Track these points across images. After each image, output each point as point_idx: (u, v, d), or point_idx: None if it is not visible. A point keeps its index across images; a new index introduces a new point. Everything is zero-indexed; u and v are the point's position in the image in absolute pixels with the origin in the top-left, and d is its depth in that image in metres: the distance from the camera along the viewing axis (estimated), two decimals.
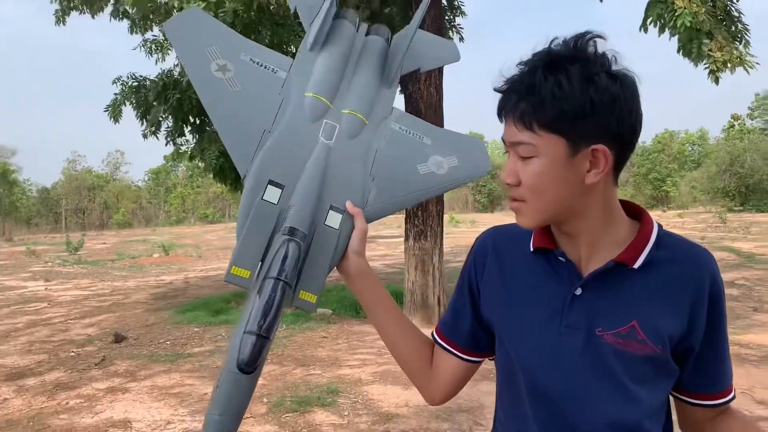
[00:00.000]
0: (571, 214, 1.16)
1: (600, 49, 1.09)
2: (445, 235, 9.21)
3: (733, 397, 1.26)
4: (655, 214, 43.29)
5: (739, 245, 19.01)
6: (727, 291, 10.87)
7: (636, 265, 1.16)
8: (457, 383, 1.43)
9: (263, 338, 1.26)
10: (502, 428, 1.34)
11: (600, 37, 1.10)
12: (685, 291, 1.15)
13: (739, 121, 58.25)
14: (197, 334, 8.83)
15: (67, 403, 5.83)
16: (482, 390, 5.49)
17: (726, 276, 12.71)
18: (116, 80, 9.56)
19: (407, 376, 1.50)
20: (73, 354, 7.86)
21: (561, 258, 1.22)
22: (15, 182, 64.41)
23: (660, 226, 1.23)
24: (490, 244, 1.36)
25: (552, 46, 1.11)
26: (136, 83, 9.57)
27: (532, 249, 1.27)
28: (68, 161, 70.40)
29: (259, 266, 1.33)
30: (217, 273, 17.13)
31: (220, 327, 9.16)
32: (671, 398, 1.27)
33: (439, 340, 1.43)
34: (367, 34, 1.82)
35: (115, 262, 21.81)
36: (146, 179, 75.23)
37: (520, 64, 1.13)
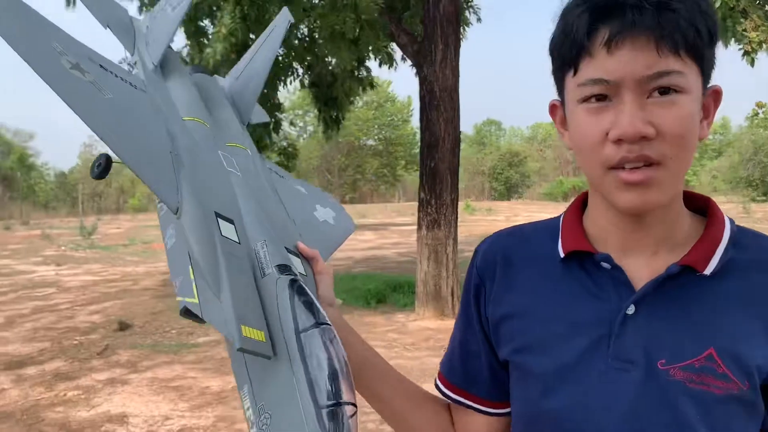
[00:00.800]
0: None
1: None
2: (459, 223, 8.90)
3: None
4: None
5: None
6: None
7: (708, 271, 0.85)
8: None
9: (353, 406, 0.89)
10: None
11: None
12: None
13: (763, 109, 56.99)
14: None
15: (65, 395, 5.63)
16: None
17: None
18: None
19: None
20: (76, 342, 7.67)
21: (605, 264, 0.89)
22: (33, 166, 64.85)
23: (732, 220, 0.91)
24: (499, 254, 1.01)
25: None
26: None
27: (562, 255, 0.94)
28: (85, 145, 70.72)
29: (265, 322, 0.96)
30: None
31: None
32: None
33: (453, 395, 1.07)
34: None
35: (127, 247, 21.73)
36: None
37: None
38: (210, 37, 8.65)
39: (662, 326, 0.85)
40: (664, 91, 0.78)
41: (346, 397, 0.88)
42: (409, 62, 9.18)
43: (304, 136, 30.39)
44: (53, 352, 7.26)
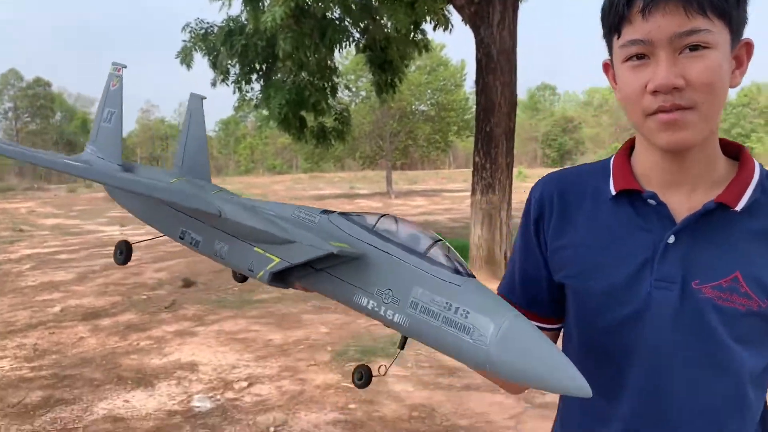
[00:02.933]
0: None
1: None
2: (513, 190, 8.90)
3: None
4: None
5: None
6: None
7: (738, 207, 0.99)
8: None
9: (441, 240, 1.12)
10: (577, 407, 1.16)
11: None
12: None
13: None
14: None
15: (138, 344, 6.00)
16: None
17: None
18: (185, 27, 9.54)
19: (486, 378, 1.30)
20: (144, 297, 8.10)
21: (651, 201, 1.03)
22: None
23: (761, 166, 1.04)
24: (554, 191, 1.16)
25: None
26: (203, 30, 9.52)
27: (614, 192, 1.08)
28: (142, 111, 72.58)
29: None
30: None
31: None
32: None
33: None
34: None
35: None
36: (216, 129, 76.89)
37: None
38: (266, 2, 8.77)
39: (697, 253, 1.00)
40: (694, 47, 0.92)
41: (431, 238, 1.10)
42: (464, 25, 9.12)
43: (356, 101, 30.41)
44: (124, 305, 7.69)
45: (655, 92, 0.93)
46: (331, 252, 1.12)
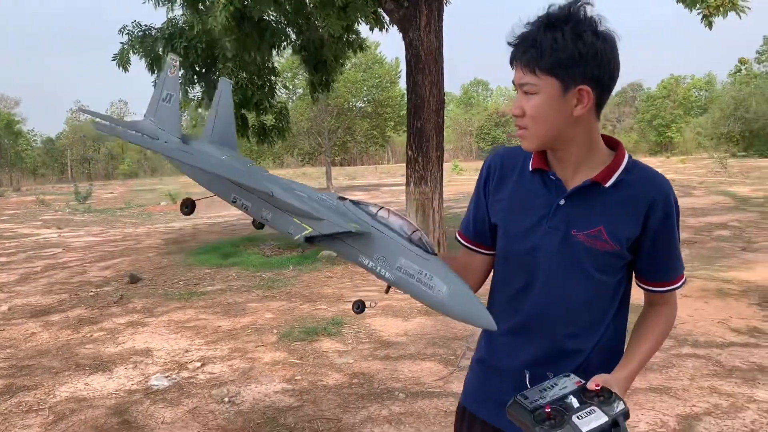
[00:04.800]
0: (563, 141, 1.52)
1: (589, 13, 1.43)
2: (448, 183, 9.51)
3: (668, 291, 1.64)
4: (658, 161, 43.44)
5: (737, 189, 19.28)
6: (719, 232, 11.28)
7: (607, 185, 1.53)
8: (488, 273, 1.81)
9: (420, 231, 1.52)
10: (504, 303, 1.69)
11: (589, 4, 1.42)
12: (643, 206, 1.52)
13: (746, 65, 57.49)
14: (208, 275, 9.26)
15: (92, 335, 6.28)
16: None
17: (719, 218, 13.01)
18: (122, 30, 9.69)
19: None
20: (92, 293, 8.31)
21: (552, 176, 1.59)
22: (19, 133, 64.44)
23: (630, 156, 1.59)
24: (498, 162, 1.72)
25: (550, 9, 1.43)
26: (141, 32, 9.71)
27: (531, 168, 1.63)
28: (72, 111, 70.27)
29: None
30: (224, 220, 17.54)
31: (231, 269, 9.59)
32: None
33: (469, 245, 1.80)
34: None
35: (124, 211, 22.23)
36: None
37: (527, 23, 1.46)
38: (206, 5, 9.08)
39: (577, 212, 1.54)
40: (527, 92, 1.47)
41: (413, 227, 1.55)
42: (395, 27, 9.66)
43: (293, 98, 30.60)
44: (72, 302, 7.89)
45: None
46: (349, 230, 1.58)
